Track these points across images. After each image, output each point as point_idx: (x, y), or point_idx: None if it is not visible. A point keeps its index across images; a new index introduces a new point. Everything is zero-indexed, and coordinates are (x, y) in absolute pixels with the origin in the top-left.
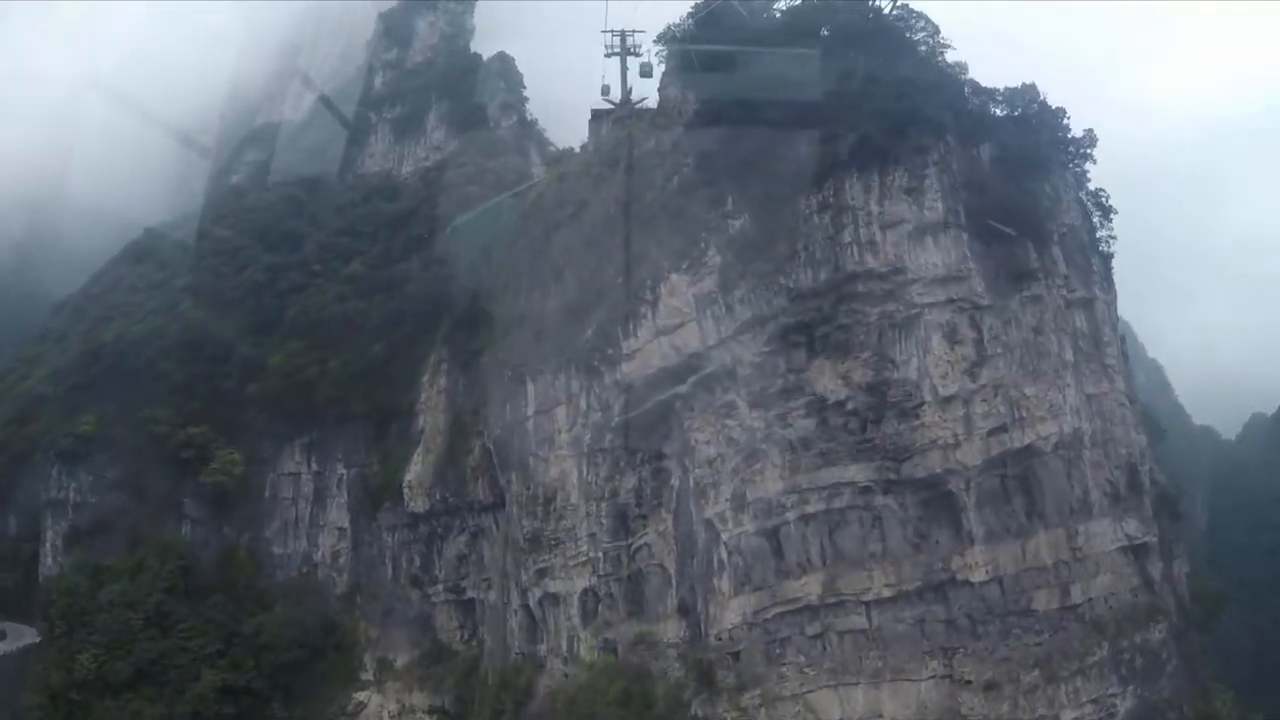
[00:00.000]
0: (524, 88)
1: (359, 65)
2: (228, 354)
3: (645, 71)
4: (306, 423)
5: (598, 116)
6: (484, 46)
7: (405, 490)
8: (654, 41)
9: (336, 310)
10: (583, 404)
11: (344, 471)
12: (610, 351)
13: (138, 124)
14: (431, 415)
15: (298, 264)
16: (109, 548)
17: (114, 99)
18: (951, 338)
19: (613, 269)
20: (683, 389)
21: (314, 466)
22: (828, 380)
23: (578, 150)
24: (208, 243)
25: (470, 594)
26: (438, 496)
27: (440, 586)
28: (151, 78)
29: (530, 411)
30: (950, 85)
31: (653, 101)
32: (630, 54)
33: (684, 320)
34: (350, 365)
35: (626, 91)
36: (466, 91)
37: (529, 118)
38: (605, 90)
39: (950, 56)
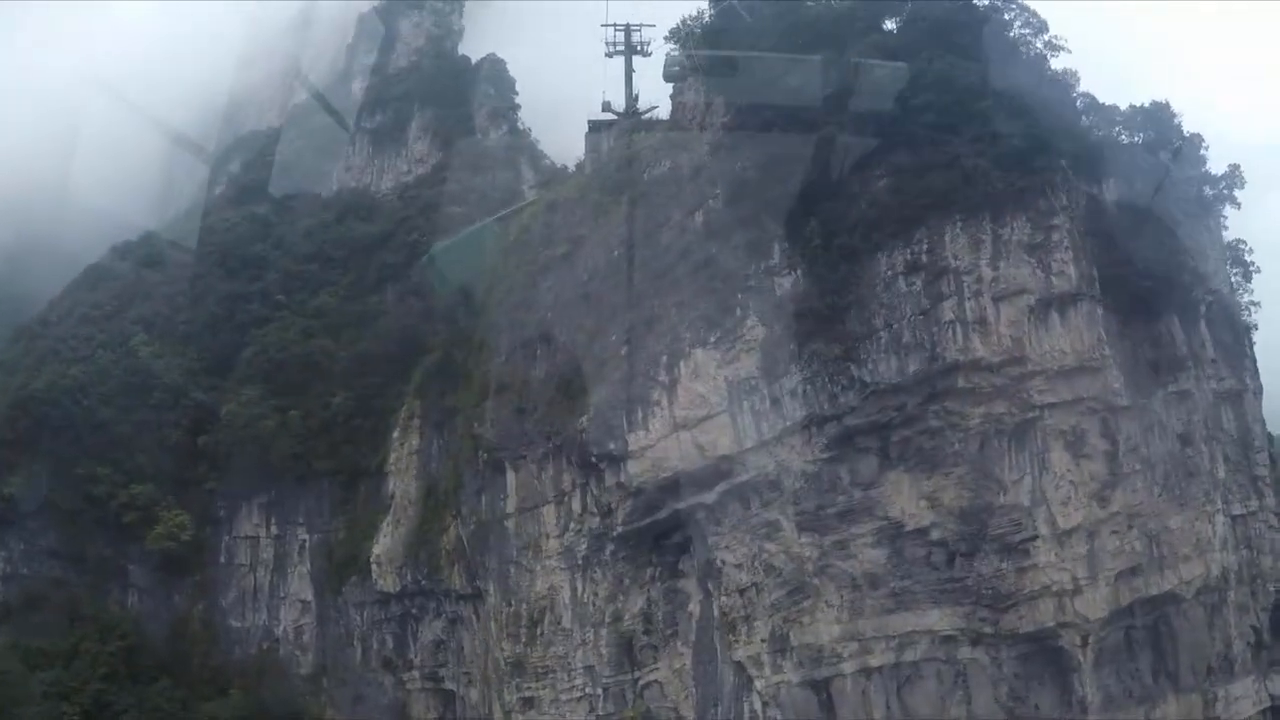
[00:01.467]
0: (516, 94)
1: (339, 70)
2: (176, 399)
3: (672, 74)
4: (264, 480)
5: (596, 129)
6: (474, 49)
7: (373, 566)
8: (666, 39)
9: (299, 351)
10: (576, 505)
11: (306, 537)
12: (613, 446)
13: (138, 127)
14: (402, 480)
15: (259, 294)
16: (44, 625)
17: (114, 101)
18: (1077, 450)
19: (616, 334)
20: (708, 498)
21: (273, 530)
22: (906, 500)
23: (573, 169)
24: (162, 269)
25: (449, 685)
26: (409, 578)
27: (416, 673)
28: (153, 81)
29: (510, 508)
30: (1065, 102)
31: (665, 111)
32: (637, 53)
33: (712, 412)
34: (312, 417)
35: (632, 99)
36: (452, 98)
37: (521, 127)
38: (606, 105)
39: (1057, 63)
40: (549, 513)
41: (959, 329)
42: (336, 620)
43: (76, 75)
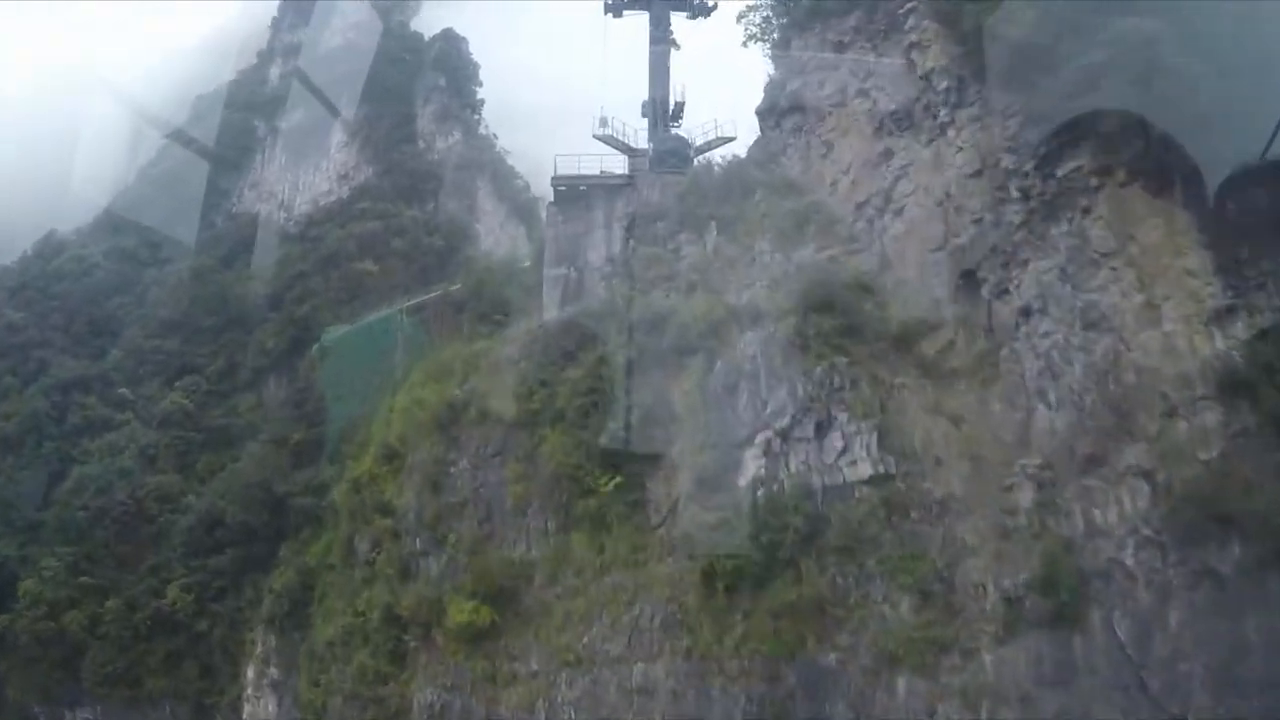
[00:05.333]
0: (479, 85)
1: (262, 51)
2: None
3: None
4: (81, 692)
5: (568, 194)
6: (433, 27)
7: None
8: None
9: (129, 496)
10: None
11: None
12: None
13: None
14: None
15: (99, 381)
16: None
17: (114, 97)
18: None
19: None
20: None
21: None
22: None
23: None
24: None
25: None
26: None
27: None
28: (154, 77)
29: None
30: None
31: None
32: (682, 9)
33: None
34: (139, 610)
35: (665, 111)
36: (394, 90)
37: (482, 131)
38: (602, 126)
39: None
40: None
41: None
42: None
43: (77, 71)
